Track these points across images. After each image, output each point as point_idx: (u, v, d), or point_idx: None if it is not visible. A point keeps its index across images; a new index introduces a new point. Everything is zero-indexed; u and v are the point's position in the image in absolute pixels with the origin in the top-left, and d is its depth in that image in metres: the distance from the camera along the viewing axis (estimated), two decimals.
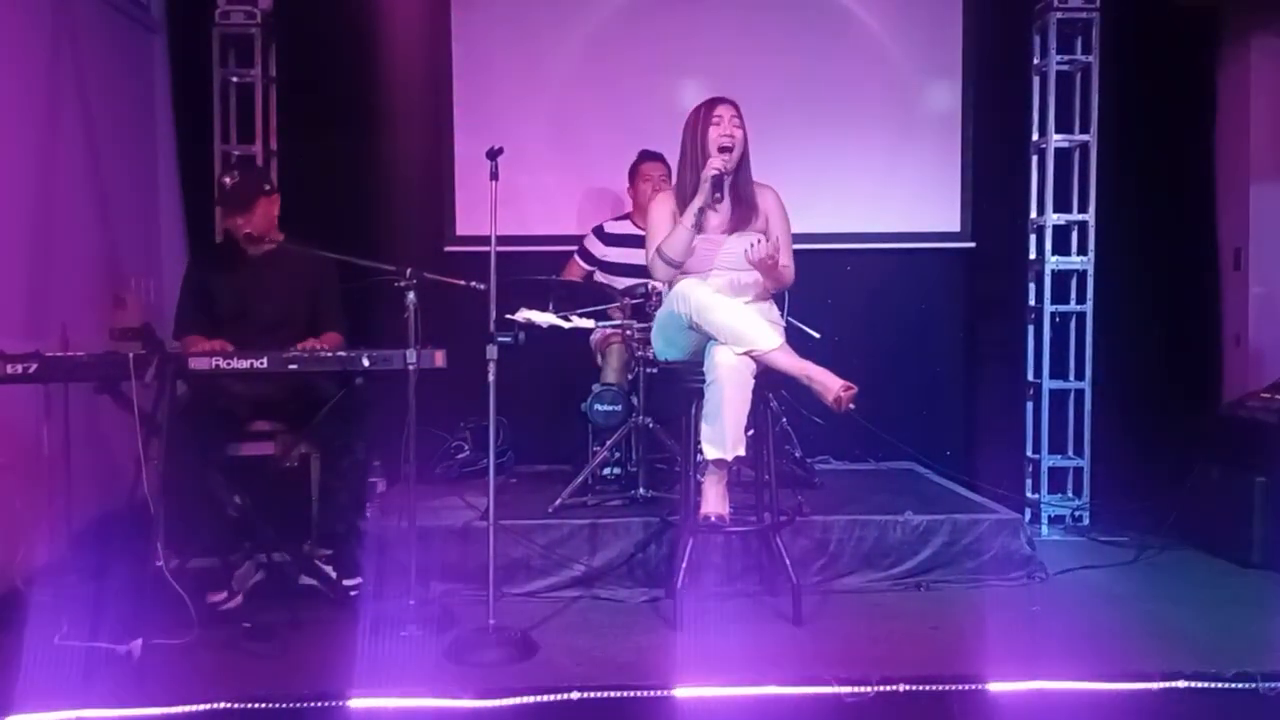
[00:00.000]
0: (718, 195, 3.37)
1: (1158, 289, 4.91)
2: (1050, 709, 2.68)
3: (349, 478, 3.54)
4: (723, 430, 3.19)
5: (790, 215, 3.58)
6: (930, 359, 5.19)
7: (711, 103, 3.45)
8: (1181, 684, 2.69)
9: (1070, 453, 4.79)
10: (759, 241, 3.31)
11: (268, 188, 3.67)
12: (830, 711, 2.64)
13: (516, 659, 2.97)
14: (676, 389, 3.48)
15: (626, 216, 4.69)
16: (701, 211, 3.38)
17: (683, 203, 3.45)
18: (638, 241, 4.49)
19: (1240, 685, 2.70)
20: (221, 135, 4.76)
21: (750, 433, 3.32)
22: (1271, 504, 3.92)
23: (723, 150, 3.37)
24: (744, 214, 3.46)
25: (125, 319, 4.12)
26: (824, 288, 4.80)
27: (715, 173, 3.35)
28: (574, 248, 4.71)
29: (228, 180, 3.60)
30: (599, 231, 4.66)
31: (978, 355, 5.22)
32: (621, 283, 4.33)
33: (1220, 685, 2.70)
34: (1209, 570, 3.97)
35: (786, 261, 3.50)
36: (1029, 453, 4.83)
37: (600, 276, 4.57)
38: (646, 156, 4.60)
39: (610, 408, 3.98)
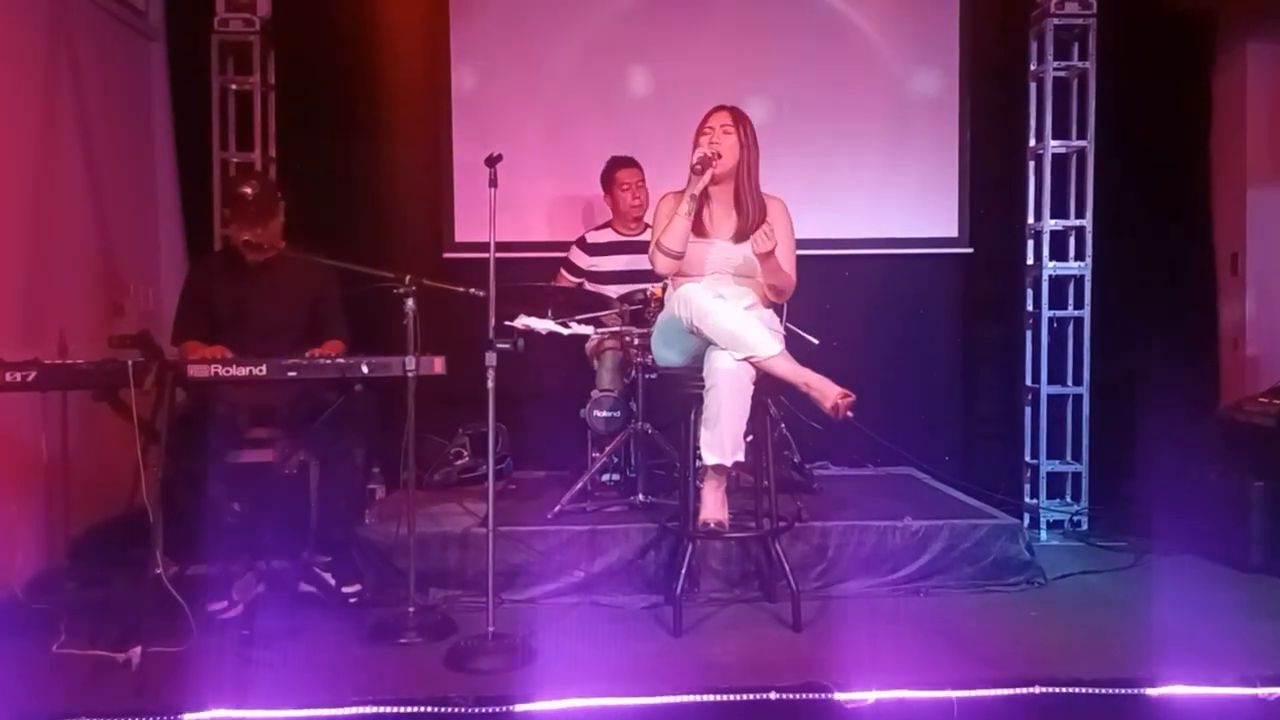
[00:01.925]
0: (698, 167, 3.33)
1: (1155, 294, 4.91)
2: (1049, 714, 2.68)
3: (348, 484, 3.55)
4: (722, 436, 3.19)
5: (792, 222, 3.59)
6: (928, 364, 5.20)
7: (707, 114, 3.48)
8: (1181, 688, 2.70)
9: (1069, 458, 4.79)
10: (764, 239, 3.31)
11: (280, 196, 3.67)
12: (830, 718, 2.64)
13: (516, 666, 2.97)
14: (675, 395, 3.49)
15: (607, 225, 4.69)
16: (695, 200, 3.37)
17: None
18: (622, 249, 4.54)
19: (1240, 690, 2.70)
20: (220, 142, 4.76)
21: (749, 438, 3.33)
22: (1270, 508, 3.92)
23: (702, 161, 3.35)
24: (744, 221, 3.45)
25: (124, 326, 4.13)
26: (822, 294, 4.81)
27: (699, 154, 3.34)
28: None
29: (248, 190, 3.57)
30: (582, 243, 4.68)
31: (976, 360, 5.23)
32: (613, 290, 4.33)
33: (1220, 690, 2.70)
34: (1207, 574, 3.97)
35: (788, 269, 3.51)
36: (1027, 458, 4.83)
37: (589, 288, 4.58)
38: (620, 164, 4.59)
39: (609, 414, 3.98)
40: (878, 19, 5.07)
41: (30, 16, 3.90)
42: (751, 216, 3.44)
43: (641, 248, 4.53)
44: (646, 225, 4.63)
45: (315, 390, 3.48)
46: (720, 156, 3.38)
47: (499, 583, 3.28)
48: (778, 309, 3.65)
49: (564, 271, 4.66)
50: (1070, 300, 4.80)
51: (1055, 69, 4.70)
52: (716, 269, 3.46)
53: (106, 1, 4.40)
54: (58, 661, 2.96)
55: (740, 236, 3.43)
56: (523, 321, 3.59)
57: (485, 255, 3.16)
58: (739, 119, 3.44)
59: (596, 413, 3.99)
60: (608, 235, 4.66)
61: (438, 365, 3.19)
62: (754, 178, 3.47)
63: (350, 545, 3.59)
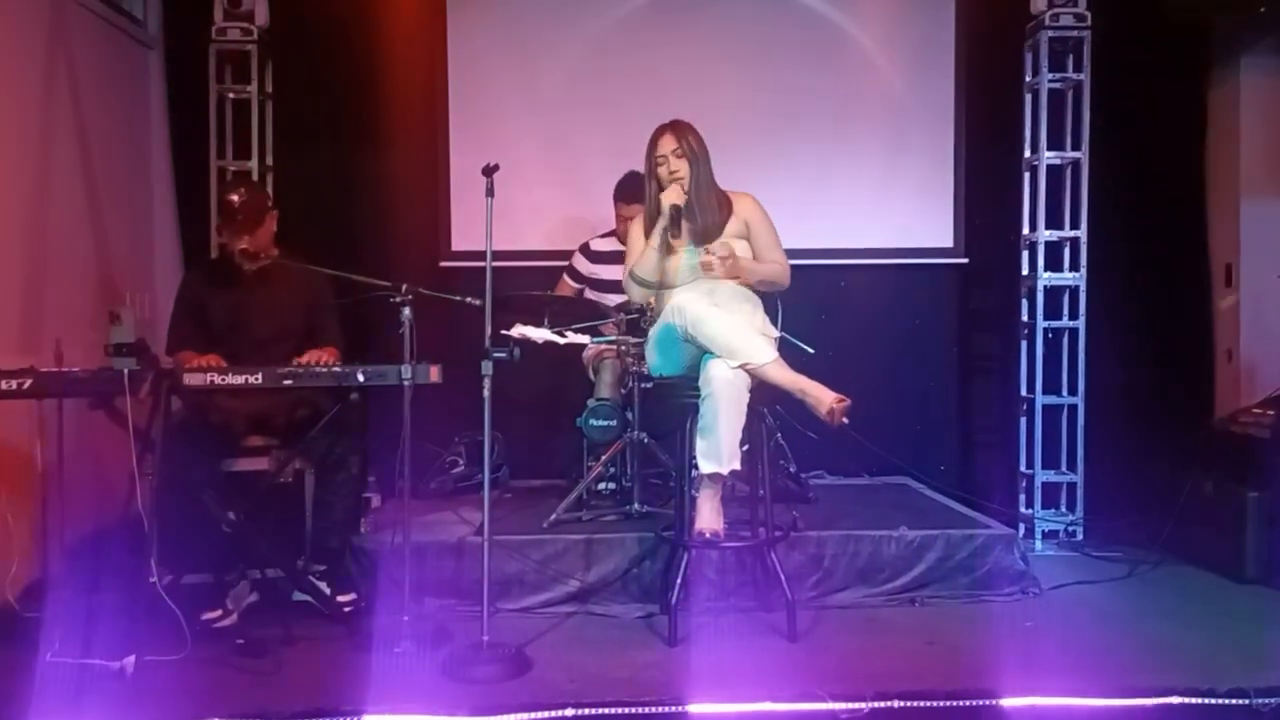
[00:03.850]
0: (674, 232, 3.48)
1: (1150, 305, 4.93)
2: None
3: (343, 493, 3.54)
4: (718, 444, 3.20)
5: (785, 231, 3.62)
6: (924, 374, 5.21)
7: (653, 139, 3.57)
8: (1175, 700, 2.70)
9: (1064, 468, 4.79)
10: (712, 255, 3.40)
11: (269, 203, 3.67)
12: None
13: (511, 675, 2.96)
14: (671, 404, 3.49)
15: (612, 233, 4.70)
16: (667, 231, 3.48)
17: (650, 227, 3.56)
18: (623, 258, 4.52)
19: (1234, 701, 2.70)
20: (217, 151, 4.76)
21: (745, 447, 3.33)
22: (1264, 519, 3.93)
23: (675, 211, 3.47)
24: (710, 224, 3.52)
25: (120, 334, 4.12)
26: (818, 303, 4.82)
27: (672, 204, 3.45)
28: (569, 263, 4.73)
29: (235, 198, 3.56)
30: (585, 249, 4.68)
31: (971, 370, 5.25)
32: (613, 299, 4.34)
33: (1214, 701, 2.70)
34: (1202, 585, 3.97)
35: (777, 258, 3.56)
36: (1023, 468, 4.83)
37: (590, 294, 4.58)
38: (624, 198, 4.52)
39: (605, 423, 3.97)
40: (874, 30, 5.08)
41: (29, 24, 3.91)
42: (711, 217, 3.53)
43: None
44: None
45: (311, 399, 3.48)
46: (684, 187, 3.47)
47: (494, 592, 3.28)
48: (772, 316, 3.65)
49: (566, 277, 4.67)
50: (1065, 311, 4.80)
51: (1050, 80, 4.71)
52: (686, 278, 3.52)
53: (105, 10, 4.41)
54: (52, 670, 2.95)
55: (702, 239, 3.50)
56: (519, 330, 3.59)
57: (482, 264, 3.17)
58: (682, 135, 3.53)
59: (592, 422, 3.98)
60: (611, 244, 4.65)
61: (434, 374, 3.18)
62: (709, 181, 3.55)
63: (345, 554, 3.59)
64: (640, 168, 4.57)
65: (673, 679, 2.96)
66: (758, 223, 3.58)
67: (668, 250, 3.53)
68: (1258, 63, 4.80)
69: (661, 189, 3.54)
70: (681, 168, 3.50)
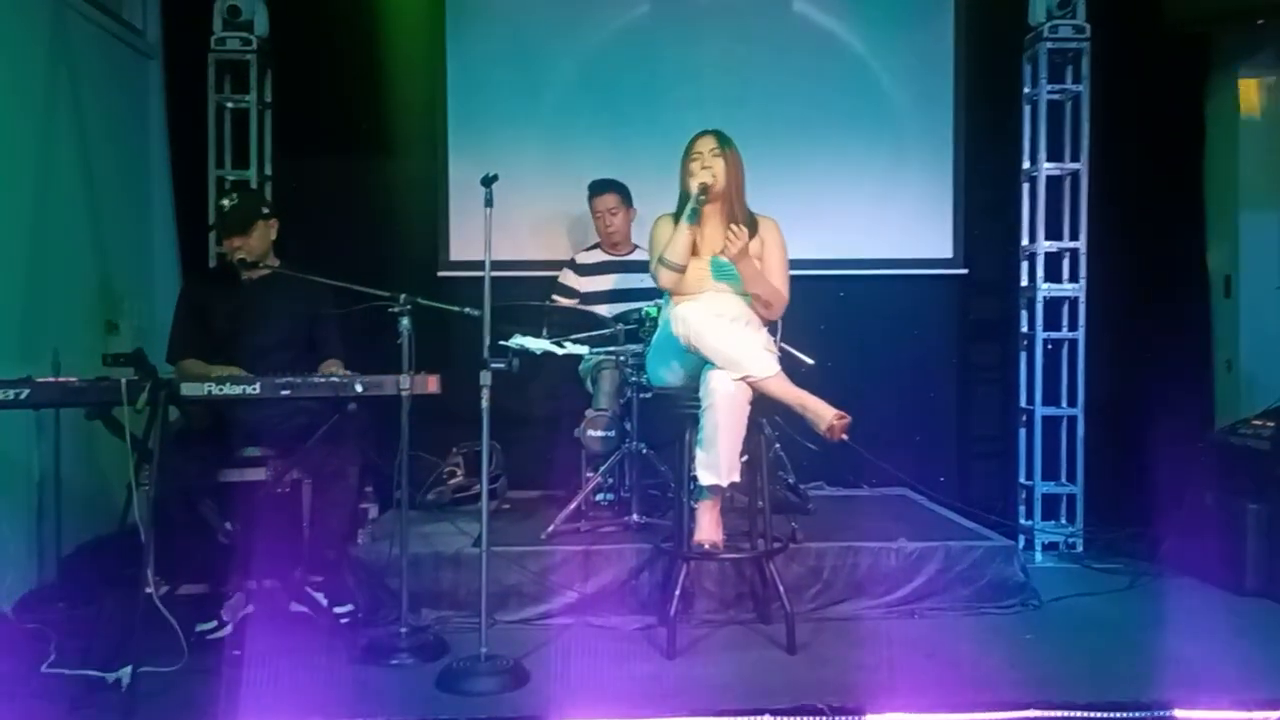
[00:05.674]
0: (702, 198, 3.46)
1: (1149, 316, 4.93)
2: None
3: (341, 504, 3.53)
4: (718, 456, 3.19)
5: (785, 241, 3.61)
6: (923, 385, 5.21)
7: (692, 140, 3.59)
8: (1177, 712, 2.69)
9: (1063, 479, 4.79)
10: (732, 237, 3.38)
11: (266, 211, 3.67)
12: None
13: (509, 687, 2.95)
14: (670, 415, 3.49)
15: (596, 246, 4.73)
16: (695, 214, 3.45)
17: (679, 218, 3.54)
18: (613, 268, 4.60)
19: (1236, 713, 2.69)
20: (216, 160, 4.77)
21: (744, 459, 3.32)
22: (1265, 530, 3.92)
23: (703, 188, 3.47)
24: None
25: (118, 344, 4.12)
26: (817, 314, 4.82)
27: (700, 183, 3.46)
28: None
29: (225, 202, 3.63)
30: (572, 265, 4.70)
31: (970, 381, 5.25)
32: (605, 310, 4.33)
33: (1216, 713, 2.69)
34: (1202, 597, 3.96)
35: (779, 284, 3.55)
36: (1022, 479, 4.83)
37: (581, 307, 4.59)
38: (593, 191, 4.62)
39: (604, 434, 3.96)
40: (873, 41, 5.10)
41: (29, 34, 3.91)
42: (741, 217, 3.51)
43: (631, 266, 4.56)
44: (635, 245, 4.65)
45: (309, 408, 3.47)
46: (717, 180, 3.47)
47: (492, 603, 3.27)
48: (771, 328, 3.65)
49: (557, 297, 4.66)
50: (1065, 322, 4.80)
51: (1049, 92, 4.72)
52: (712, 287, 3.50)
53: (104, 19, 4.42)
54: (47, 681, 2.94)
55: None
56: (518, 341, 3.59)
57: (480, 274, 3.17)
58: (724, 140, 3.55)
59: (591, 432, 3.97)
60: (597, 256, 4.68)
61: (432, 384, 3.18)
62: (742, 195, 3.56)
63: (343, 565, 3.57)
64: (635, 176, 4.62)
65: (671, 691, 2.94)
66: (773, 247, 3.58)
67: (692, 253, 3.52)
68: (1255, 74, 4.82)
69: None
70: (716, 166, 3.51)
